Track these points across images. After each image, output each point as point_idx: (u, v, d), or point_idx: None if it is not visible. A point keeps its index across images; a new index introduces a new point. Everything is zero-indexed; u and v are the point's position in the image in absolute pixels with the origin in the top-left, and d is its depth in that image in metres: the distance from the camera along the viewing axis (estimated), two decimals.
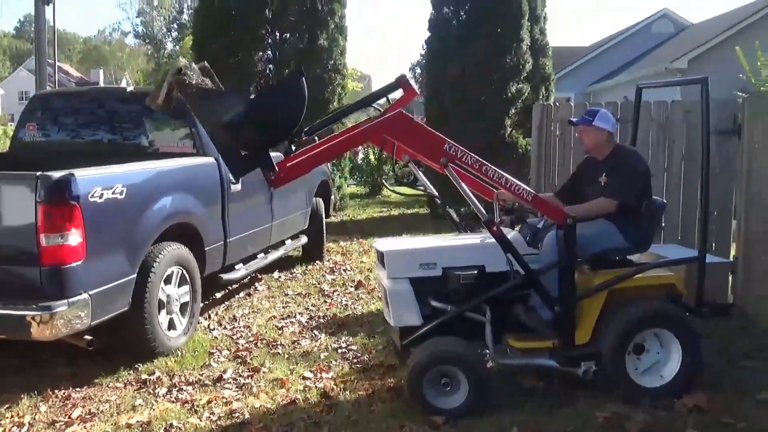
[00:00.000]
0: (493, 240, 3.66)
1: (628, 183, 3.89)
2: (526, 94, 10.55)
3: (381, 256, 3.95)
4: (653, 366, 3.79)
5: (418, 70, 62.23)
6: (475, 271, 3.75)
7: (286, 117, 3.51)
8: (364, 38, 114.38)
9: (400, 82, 4.09)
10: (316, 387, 4.02)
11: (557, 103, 6.69)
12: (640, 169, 3.96)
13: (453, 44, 10.46)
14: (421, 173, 4.31)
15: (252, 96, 3.72)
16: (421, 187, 4.55)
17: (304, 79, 3.53)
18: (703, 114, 3.77)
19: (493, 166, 3.71)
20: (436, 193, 4.33)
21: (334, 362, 4.45)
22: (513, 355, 3.86)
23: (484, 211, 3.65)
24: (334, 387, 4.01)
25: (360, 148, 14.91)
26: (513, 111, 10.50)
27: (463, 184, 3.76)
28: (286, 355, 4.62)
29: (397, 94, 4.25)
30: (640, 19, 25.88)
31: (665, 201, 4.25)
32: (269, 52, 11.41)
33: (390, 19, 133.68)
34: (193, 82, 3.48)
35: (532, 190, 3.76)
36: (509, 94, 10.30)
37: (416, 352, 3.68)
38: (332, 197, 8.62)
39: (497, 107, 10.23)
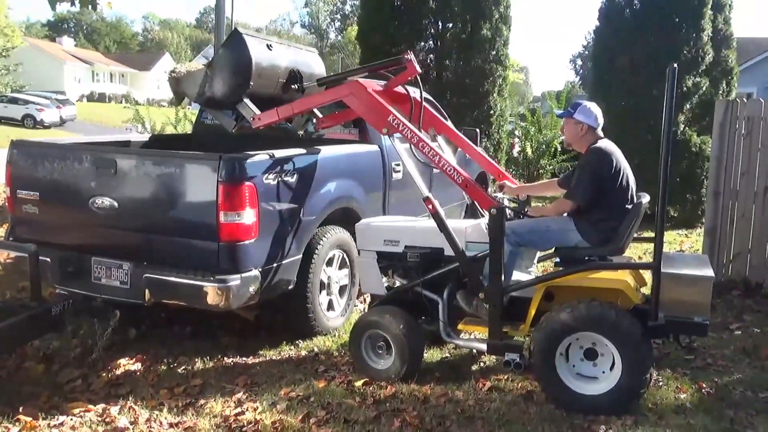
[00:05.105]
0: (459, 225, 4.06)
1: (578, 183, 3.84)
2: (703, 89, 9.77)
3: None
4: (604, 374, 3.58)
5: (579, 62, 60.18)
6: (431, 252, 4.08)
7: (233, 76, 4.43)
8: (522, 28, 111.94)
9: (404, 59, 4.41)
10: (470, 382, 3.98)
11: (744, 99, 6.09)
12: (592, 169, 3.81)
13: (624, 35, 9.90)
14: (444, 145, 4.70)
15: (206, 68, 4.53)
16: None
17: (242, 36, 4.39)
18: (666, 105, 3.34)
19: (430, 144, 4.01)
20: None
21: (489, 359, 4.38)
22: (463, 335, 4.17)
23: (426, 189, 3.94)
24: (488, 383, 3.95)
25: (516, 140, 14.60)
26: (688, 106, 9.78)
27: (409, 160, 4.12)
28: (440, 347, 4.62)
29: None
30: None
31: (642, 201, 3.82)
32: (431, 43, 11.45)
33: (550, 8, 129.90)
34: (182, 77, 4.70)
35: (464, 173, 3.94)
36: (684, 88, 9.58)
37: (359, 317, 4.25)
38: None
39: None
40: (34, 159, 4.52)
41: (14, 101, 32.65)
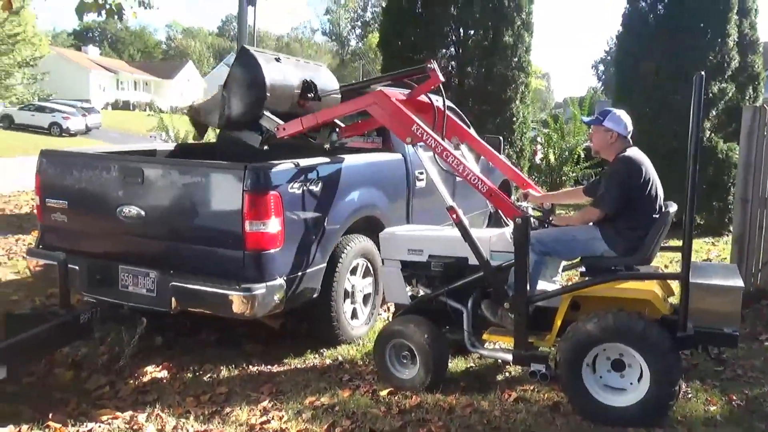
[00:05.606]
0: (484, 234, 4.04)
1: (606, 192, 3.82)
2: (729, 95, 9.65)
3: None
4: (632, 386, 3.53)
5: (601, 68, 59.75)
6: (455, 261, 4.08)
7: (249, 91, 4.42)
8: (544, 33, 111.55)
9: (428, 67, 4.41)
10: (495, 392, 3.95)
11: None
12: (621, 178, 3.78)
13: (648, 40, 9.82)
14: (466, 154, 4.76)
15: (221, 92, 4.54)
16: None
17: (250, 51, 4.42)
18: (693, 113, 3.28)
19: (454, 153, 4.01)
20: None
21: (514, 369, 4.35)
22: (488, 345, 4.09)
23: (449, 198, 3.94)
24: (514, 394, 3.92)
25: (539, 147, 14.51)
26: (714, 113, 9.66)
27: (433, 169, 4.13)
28: (465, 357, 4.60)
29: None
30: None
31: (670, 210, 3.78)
32: (452, 49, 11.44)
33: (572, 13, 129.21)
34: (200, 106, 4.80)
35: (489, 183, 3.90)
36: (710, 94, 9.48)
37: (384, 326, 4.26)
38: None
39: None
40: (63, 168, 4.59)
41: (41, 110, 33.22)
